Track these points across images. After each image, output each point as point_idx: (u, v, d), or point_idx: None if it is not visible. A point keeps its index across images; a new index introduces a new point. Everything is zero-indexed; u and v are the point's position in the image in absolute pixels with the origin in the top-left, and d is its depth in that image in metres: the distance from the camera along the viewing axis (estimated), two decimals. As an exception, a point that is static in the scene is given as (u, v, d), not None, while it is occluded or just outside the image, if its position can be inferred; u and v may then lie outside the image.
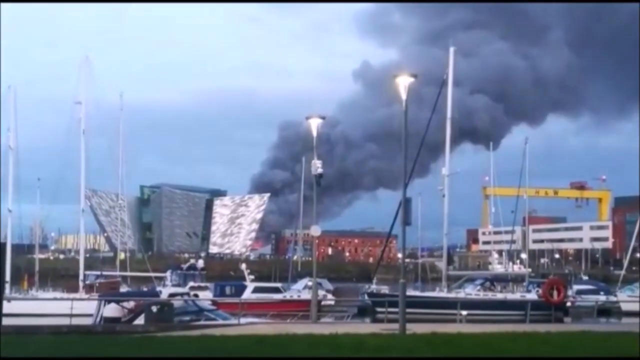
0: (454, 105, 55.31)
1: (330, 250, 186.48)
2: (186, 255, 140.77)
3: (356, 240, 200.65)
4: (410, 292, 43.83)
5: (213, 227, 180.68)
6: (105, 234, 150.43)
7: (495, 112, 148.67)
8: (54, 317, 34.83)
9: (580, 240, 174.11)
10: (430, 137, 55.82)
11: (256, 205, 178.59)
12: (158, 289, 47.26)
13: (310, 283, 52.40)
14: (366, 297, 53.20)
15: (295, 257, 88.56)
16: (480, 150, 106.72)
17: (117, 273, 63.27)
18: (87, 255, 70.86)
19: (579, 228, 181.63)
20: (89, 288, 53.87)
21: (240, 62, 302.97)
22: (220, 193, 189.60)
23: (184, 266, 69.92)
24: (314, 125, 36.04)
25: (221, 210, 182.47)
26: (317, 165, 36.09)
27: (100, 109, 58.66)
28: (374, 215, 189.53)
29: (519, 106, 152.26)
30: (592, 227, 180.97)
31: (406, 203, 28.29)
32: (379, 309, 44.23)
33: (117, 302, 33.72)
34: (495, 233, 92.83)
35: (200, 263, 71.21)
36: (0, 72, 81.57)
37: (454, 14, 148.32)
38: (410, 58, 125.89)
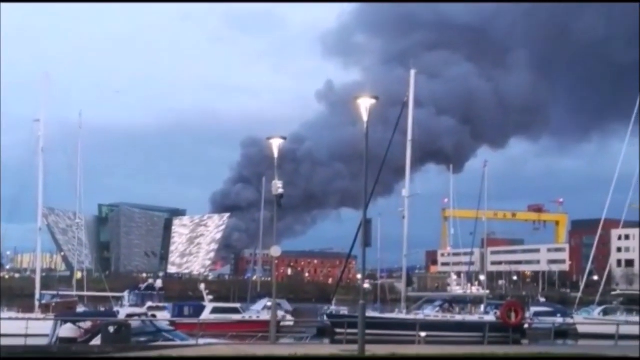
0: (419, 127, 55.72)
1: (289, 271, 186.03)
2: (144, 275, 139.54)
3: (316, 261, 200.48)
4: (370, 313, 43.86)
5: (172, 247, 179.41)
6: (62, 253, 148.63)
7: (461, 134, 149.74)
8: (9, 337, 34.23)
9: (538, 262, 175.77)
10: (394, 158, 56.12)
11: (216, 225, 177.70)
12: (115, 309, 46.75)
13: (269, 304, 52.22)
14: (325, 318, 53.14)
15: (254, 278, 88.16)
16: (445, 172, 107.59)
17: (74, 293, 62.42)
18: (44, 274, 69.92)
19: (537, 250, 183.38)
20: (45, 308, 53.06)
21: (204, 81, 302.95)
22: (179, 212, 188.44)
23: (142, 286, 69.24)
24: (275, 145, 36.08)
25: (180, 229, 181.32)
26: (277, 186, 36.10)
27: (59, 126, 58.11)
28: (334, 236, 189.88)
29: (483, 129, 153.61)
30: (549, 250, 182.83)
31: (366, 224, 28.35)
32: (338, 330, 44.18)
33: (74, 322, 33.21)
34: (455, 255, 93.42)
35: (159, 283, 70.52)
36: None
37: (418, 35, 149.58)
38: (375, 78, 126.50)
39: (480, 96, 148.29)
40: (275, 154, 36.05)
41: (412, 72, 56.43)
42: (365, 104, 26.90)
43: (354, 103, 27.36)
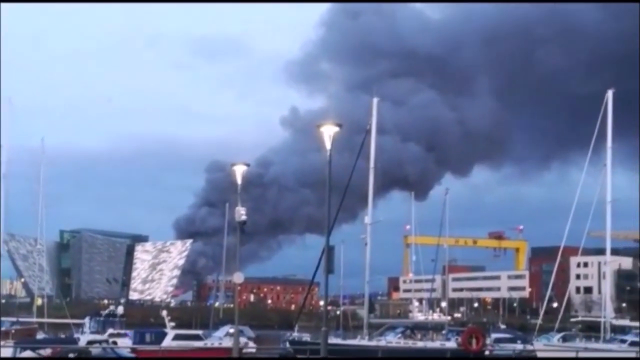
0: (384, 154, 56.29)
1: (252, 297, 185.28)
2: (106, 301, 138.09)
3: (279, 287, 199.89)
4: (332, 340, 44.01)
5: (134, 273, 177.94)
6: (23, 279, 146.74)
7: (425, 161, 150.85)
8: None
9: (498, 289, 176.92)
10: (359, 185, 56.57)
11: (178, 252, 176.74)
12: (76, 335, 46.35)
13: (231, 330, 52.10)
14: (288, 344, 53.14)
15: (216, 304, 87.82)
16: (409, 199, 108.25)
17: (34, 319, 61.81)
18: (3, 300, 69.23)
19: (497, 277, 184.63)
20: (4, 335, 52.43)
21: (168, 107, 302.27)
22: (142, 238, 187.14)
23: (103, 312, 68.61)
24: (239, 172, 36.28)
25: (142, 256, 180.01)
26: (240, 212, 36.25)
27: (20, 152, 57.80)
28: (298, 262, 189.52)
29: (447, 156, 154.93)
30: (509, 277, 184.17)
31: (329, 251, 28.62)
32: (300, 357, 44.26)
33: (34, 349, 33.07)
34: (416, 281, 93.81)
35: (120, 309, 69.87)
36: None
37: (383, 63, 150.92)
38: (340, 106, 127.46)
39: (444, 124, 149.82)
40: (239, 181, 36.25)
41: (375, 100, 57.07)
42: (328, 132, 27.25)
43: (317, 131, 27.70)
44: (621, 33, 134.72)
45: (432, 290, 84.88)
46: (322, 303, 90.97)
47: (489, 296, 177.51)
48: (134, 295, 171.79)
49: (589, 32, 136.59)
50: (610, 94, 49.27)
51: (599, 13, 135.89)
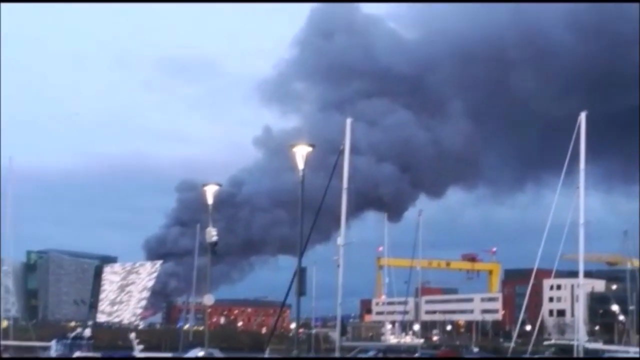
0: (358, 174, 55.74)
1: (222, 320, 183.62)
2: (73, 323, 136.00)
3: (249, 310, 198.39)
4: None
5: (102, 295, 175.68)
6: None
7: (400, 182, 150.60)
8: None
9: (471, 311, 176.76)
10: (333, 206, 55.93)
11: (147, 273, 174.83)
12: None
13: (201, 353, 51.14)
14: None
15: (186, 327, 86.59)
16: (383, 220, 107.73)
17: (-1, 342, 60.41)
18: (-33, 322, 67.65)
19: (470, 300, 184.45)
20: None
21: (138, 127, 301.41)
22: (110, 260, 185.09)
23: (71, 335, 67.31)
24: (210, 192, 35.63)
25: (111, 277, 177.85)
26: (212, 233, 35.58)
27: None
28: (270, 284, 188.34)
29: (422, 177, 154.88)
30: (482, 299, 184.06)
31: (301, 273, 27.96)
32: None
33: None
34: (389, 303, 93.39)
35: (88, 332, 68.56)
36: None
37: (357, 84, 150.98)
38: (314, 126, 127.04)
39: (419, 145, 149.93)
40: (210, 201, 35.59)
41: (348, 121, 56.52)
42: (301, 152, 26.73)
43: (290, 151, 27.15)
44: (593, 56, 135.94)
45: (405, 312, 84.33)
46: (293, 325, 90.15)
47: (462, 319, 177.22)
48: (101, 318, 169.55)
49: (561, 55, 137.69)
50: (583, 116, 49.09)
51: (571, 36, 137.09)
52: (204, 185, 36.58)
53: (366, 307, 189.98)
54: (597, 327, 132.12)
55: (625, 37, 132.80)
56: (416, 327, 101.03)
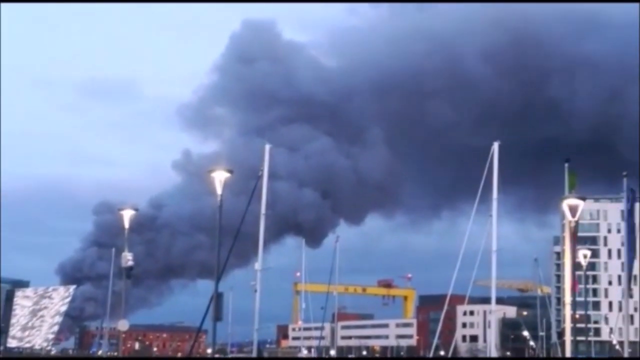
0: (280, 200, 56.03)
1: (137, 345, 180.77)
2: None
3: (165, 335, 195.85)
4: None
5: (13, 320, 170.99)
6: None
7: (321, 208, 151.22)
8: None
9: (387, 337, 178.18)
10: (254, 230, 55.99)
11: (61, 297, 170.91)
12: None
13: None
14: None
15: (100, 352, 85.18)
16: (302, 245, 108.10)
17: None
18: None
19: (386, 325, 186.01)
20: None
21: (56, 149, 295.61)
22: (22, 284, 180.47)
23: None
24: (126, 217, 35.43)
25: (23, 302, 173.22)
26: (127, 258, 35.37)
27: None
28: (187, 309, 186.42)
29: (341, 204, 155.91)
30: (397, 325, 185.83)
31: (218, 298, 28.05)
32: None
33: None
34: (305, 329, 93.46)
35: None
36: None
37: (278, 110, 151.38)
38: (235, 151, 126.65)
39: (339, 171, 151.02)
40: (126, 225, 35.37)
41: (267, 147, 56.90)
42: (219, 177, 26.91)
43: (208, 176, 27.31)
44: (509, 90, 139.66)
45: (321, 338, 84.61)
46: (209, 351, 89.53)
47: (377, 344, 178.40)
48: (12, 343, 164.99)
49: (478, 88, 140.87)
50: (496, 146, 50.40)
51: (488, 69, 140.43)
52: (120, 209, 36.31)
53: (283, 333, 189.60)
54: (508, 353, 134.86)
55: (540, 71, 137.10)
56: (332, 352, 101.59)
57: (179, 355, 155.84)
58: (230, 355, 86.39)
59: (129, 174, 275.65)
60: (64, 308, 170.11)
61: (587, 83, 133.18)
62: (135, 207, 36.59)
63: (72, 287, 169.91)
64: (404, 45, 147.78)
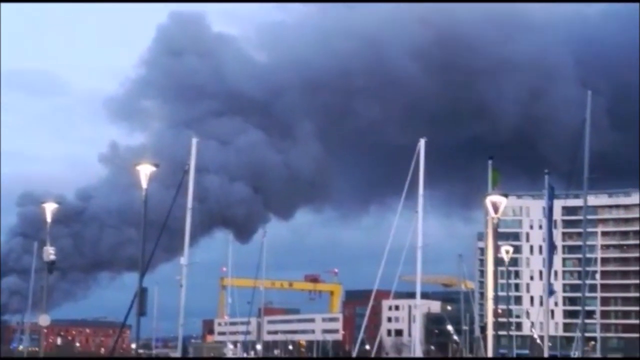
0: (210, 194, 55.64)
1: (59, 340, 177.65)
2: None
3: (88, 330, 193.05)
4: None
5: None
6: None
7: (252, 203, 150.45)
8: None
9: (313, 331, 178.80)
10: (182, 224, 55.52)
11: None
12: None
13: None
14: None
15: (20, 348, 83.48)
16: (233, 240, 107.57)
17: None
18: None
19: (312, 320, 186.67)
20: None
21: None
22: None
23: None
24: (49, 210, 34.79)
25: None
26: (49, 252, 34.76)
27: None
28: (112, 304, 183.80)
29: (272, 199, 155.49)
30: (324, 319, 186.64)
31: (142, 293, 27.79)
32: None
33: None
34: (231, 324, 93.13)
35: None
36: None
37: (208, 103, 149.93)
38: (163, 144, 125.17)
39: (270, 166, 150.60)
40: (48, 219, 34.74)
41: (194, 141, 56.46)
42: (145, 171, 26.65)
43: (134, 170, 27.05)
44: (437, 88, 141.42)
45: (247, 332, 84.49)
46: (133, 346, 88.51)
47: (303, 339, 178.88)
48: None
49: (406, 86, 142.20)
50: (422, 142, 50.90)
51: (416, 67, 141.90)
52: (43, 202, 35.63)
53: (209, 328, 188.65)
54: (432, 347, 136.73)
55: (466, 71, 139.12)
56: (258, 347, 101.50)
57: (102, 350, 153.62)
58: (154, 351, 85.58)
59: (55, 168, 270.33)
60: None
61: (510, 83, 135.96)
62: (58, 201, 36.00)
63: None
64: (332, 43, 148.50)
